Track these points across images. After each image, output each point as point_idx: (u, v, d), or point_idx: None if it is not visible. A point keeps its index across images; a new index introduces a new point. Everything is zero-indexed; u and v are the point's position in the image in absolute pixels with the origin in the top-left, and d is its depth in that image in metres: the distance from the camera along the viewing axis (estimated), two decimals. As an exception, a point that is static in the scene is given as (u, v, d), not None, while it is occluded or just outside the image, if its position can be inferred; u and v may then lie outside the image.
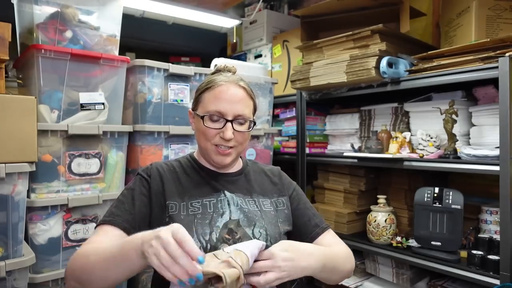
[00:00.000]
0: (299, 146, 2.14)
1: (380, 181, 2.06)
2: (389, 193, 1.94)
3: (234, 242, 0.91)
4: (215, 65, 1.13)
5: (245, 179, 1.11)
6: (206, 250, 0.89)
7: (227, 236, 0.94)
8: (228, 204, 1.01)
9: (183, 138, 1.76)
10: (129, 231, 0.92)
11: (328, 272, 0.96)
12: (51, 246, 1.42)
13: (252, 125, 1.04)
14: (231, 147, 1.01)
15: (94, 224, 1.50)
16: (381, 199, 1.82)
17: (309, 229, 1.09)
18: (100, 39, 1.57)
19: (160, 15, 2.44)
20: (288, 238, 1.04)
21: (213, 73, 1.09)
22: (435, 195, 1.58)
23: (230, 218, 0.98)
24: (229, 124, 0.98)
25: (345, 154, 1.88)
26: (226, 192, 1.04)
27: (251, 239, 0.94)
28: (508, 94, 1.29)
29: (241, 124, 1.01)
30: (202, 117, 0.99)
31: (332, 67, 1.82)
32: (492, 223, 1.58)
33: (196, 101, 1.05)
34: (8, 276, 1.15)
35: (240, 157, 1.16)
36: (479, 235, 1.54)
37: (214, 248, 0.90)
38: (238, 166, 1.14)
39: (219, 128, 0.99)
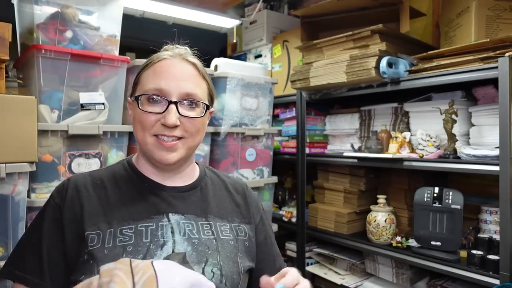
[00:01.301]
0: (299, 146, 2.14)
1: (380, 181, 2.06)
2: (389, 193, 1.94)
3: None
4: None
5: (201, 195, 0.86)
6: None
7: None
8: (172, 232, 0.76)
9: (183, 138, 1.76)
10: (38, 286, 0.73)
11: None
12: (51, 246, 1.42)
13: (205, 110, 0.81)
14: (178, 138, 0.78)
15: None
16: (381, 199, 1.83)
17: (273, 273, 0.83)
18: (100, 39, 1.57)
19: (160, 15, 2.44)
20: (249, 277, 0.85)
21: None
22: (435, 195, 1.58)
23: (173, 251, 0.74)
24: (172, 106, 0.76)
25: (345, 154, 1.88)
26: (170, 215, 0.79)
27: None
28: (508, 94, 1.29)
29: (191, 108, 0.79)
30: (137, 99, 0.77)
31: (332, 67, 1.82)
32: (491, 223, 1.58)
33: (134, 86, 0.83)
34: (8, 276, 1.16)
35: (197, 163, 0.93)
36: (478, 235, 1.54)
37: None
38: (192, 175, 0.89)
39: (160, 113, 0.76)
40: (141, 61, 1.63)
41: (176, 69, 0.79)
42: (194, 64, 0.82)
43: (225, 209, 0.87)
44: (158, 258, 0.72)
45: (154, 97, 0.76)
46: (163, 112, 0.76)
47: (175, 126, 0.76)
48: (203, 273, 0.74)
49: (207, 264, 0.76)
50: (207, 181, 0.90)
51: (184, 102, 0.78)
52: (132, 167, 0.85)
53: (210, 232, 0.81)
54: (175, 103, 0.76)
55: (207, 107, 0.83)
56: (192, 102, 0.79)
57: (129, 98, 0.85)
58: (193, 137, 0.80)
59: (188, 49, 0.87)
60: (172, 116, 0.75)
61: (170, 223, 0.78)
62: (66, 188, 0.79)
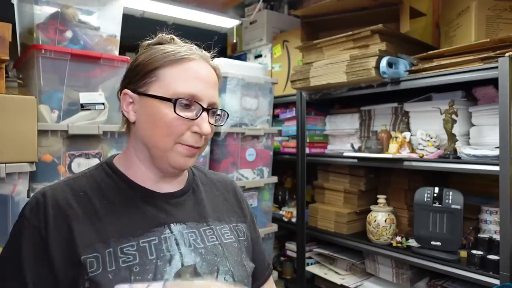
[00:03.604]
0: (299, 146, 2.14)
1: (380, 181, 2.06)
2: (389, 193, 1.94)
3: None
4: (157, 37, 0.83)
5: (194, 198, 0.80)
6: None
7: None
8: (177, 244, 0.70)
9: (183, 138, 1.76)
10: None
11: None
12: (51, 246, 1.42)
13: (226, 118, 0.78)
14: (198, 147, 0.73)
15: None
16: (381, 199, 1.83)
17: (265, 269, 0.89)
18: (100, 39, 1.57)
19: (160, 15, 2.44)
20: None
21: (156, 44, 0.79)
22: (435, 195, 1.58)
23: (182, 264, 0.68)
24: (205, 113, 0.71)
25: (345, 154, 1.88)
26: (172, 225, 0.72)
27: None
28: (508, 94, 1.29)
29: (213, 116, 0.75)
30: (170, 100, 0.69)
31: (332, 67, 1.82)
32: (492, 223, 1.58)
33: (142, 78, 0.72)
34: (8, 276, 1.16)
35: None
36: (479, 235, 1.54)
37: None
38: (183, 178, 0.82)
39: (192, 119, 0.70)
40: (141, 61, 1.64)
41: (205, 74, 0.73)
42: (215, 69, 0.78)
43: (220, 210, 0.83)
44: (168, 274, 0.66)
45: (186, 102, 0.70)
46: (194, 118, 0.70)
47: (208, 134, 0.72)
48: None
49: (219, 273, 0.71)
50: (197, 182, 0.84)
51: (211, 109, 0.74)
52: (116, 173, 0.74)
53: (214, 237, 0.76)
54: (207, 110, 0.72)
55: (228, 115, 0.79)
56: (215, 111, 0.75)
57: (126, 89, 0.74)
58: (206, 144, 0.77)
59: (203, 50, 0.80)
60: (207, 125, 0.71)
61: (173, 234, 0.71)
62: (43, 206, 0.66)
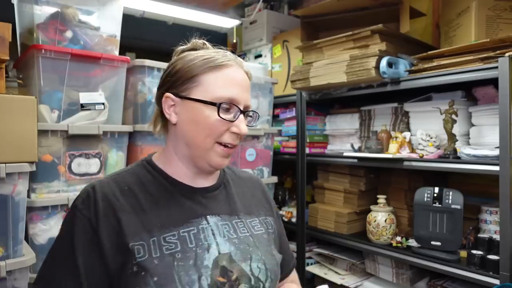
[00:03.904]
0: (299, 146, 2.14)
1: (380, 181, 2.06)
2: (389, 193, 1.94)
3: (231, 287, 0.72)
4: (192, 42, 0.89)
5: (225, 193, 0.87)
6: None
7: (220, 279, 0.72)
8: (213, 234, 0.77)
9: (183, 138, 1.76)
10: None
11: None
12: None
13: (257, 119, 0.86)
14: (235, 145, 0.81)
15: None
16: (381, 199, 1.83)
17: (290, 260, 0.98)
18: (100, 39, 1.57)
19: (160, 15, 2.44)
20: None
21: (191, 49, 0.85)
22: (435, 195, 1.58)
23: (219, 253, 0.75)
24: (242, 115, 0.79)
25: (345, 154, 1.88)
26: (208, 217, 0.80)
27: (251, 278, 0.75)
28: (508, 94, 1.29)
29: (247, 117, 0.83)
30: (214, 104, 0.76)
31: (332, 67, 1.82)
32: (491, 223, 1.58)
33: (184, 83, 0.79)
34: (9, 276, 1.15)
35: None
36: (479, 235, 1.54)
37: None
38: (216, 174, 0.90)
39: (231, 121, 0.78)
40: (141, 61, 1.64)
41: (241, 79, 0.80)
42: (247, 73, 0.84)
43: (249, 204, 0.89)
44: (207, 261, 0.73)
45: (226, 105, 0.77)
46: (233, 120, 0.78)
47: (245, 134, 0.80)
48: (250, 269, 0.76)
49: (252, 260, 0.78)
50: (228, 178, 0.92)
51: (246, 112, 0.81)
52: (156, 169, 0.83)
53: (245, 229, 0.82)
54: (244, 112, 0.80)
55: (258, 116, 0.86)
56: (248, 113, 0.82)
57: (168, 93, 0.80)
58: (238, 144, 0.83)
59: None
60: (244, 125, 0.79)
61: (209, 225, 0.78)
62: (94, 198, 0.74)
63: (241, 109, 0.79)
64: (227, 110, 0.77)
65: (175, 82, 0.80)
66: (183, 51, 0.86)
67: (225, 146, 0.79)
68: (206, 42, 0.87)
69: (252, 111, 0.83)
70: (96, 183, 0.77)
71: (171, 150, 0.83)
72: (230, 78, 0.78)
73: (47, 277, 0.73)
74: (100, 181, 0.78)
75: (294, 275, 1.01)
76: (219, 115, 0.76)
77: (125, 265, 0.70)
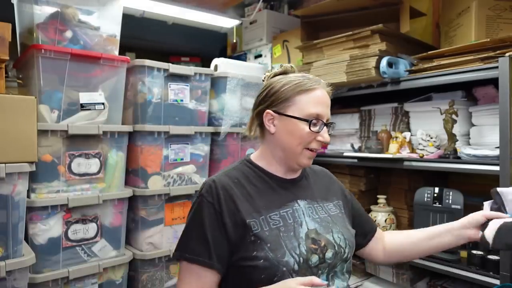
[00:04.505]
0: (299, 146, 2.13)
1: (380, 181, 2.06)
2: (389, 193, 1.94)
3: (321, 251, 0.94)
4: (267, 71, 1.14)
5: (307, 183, 1.10)
6: (299, 265, 0.90)
7: (313, 246, 0.94)
8: (303, 214, 1.00)
9: (183, 138, 1.76)
10: (219, 270, 0.93)
11: None
12: (51, 246, 1.42)
13: (333, 128, 1.07)
14: (317, 150, 1.03)
15: (94, 224, 1.50)
16: (381, 199, 1.83)
17: (372, 223, 1.20)
18: (100, 39, 1.57)
19: (160, 15, 2.44)
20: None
21: (281, 73, 1.08)
22: (435, 195, 1.58)
23: (307, 228, 0.98)
24: (325, 127, 1.00)
25: (345, 154, 1.88)
26: (298, 201, 1.03)
27: (334, 245, 0.97)
28: (508, 94, 1.29)
29: (329, 128, 1.04)
30: (306, 121, 0.98)
31: (332, 67, 1.82)
32: (492, 223, 1.57)
33: (281, 102, 1.01)
34: (8, 276, 1.15)
35: None
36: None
37: (306, 261, 0.91)
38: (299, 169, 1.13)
39: (317, 132, 0.99)
40: (141, 61, 1.64)
41: (325, 98, 1.01)
42: (328, 93, 1.04)
43: (325, 192, 1.11)
44: (302, 234, 0.95)
45: (315, 121, 0.98)
46: (319, 131, 0.99)
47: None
48: (333, 239, 0.97)
49: (334, 232, 0.99)
50: (307, 172, 1.13)
51: (328, 124, 1.02)
52: (256, 166, 1.06)
53: (323, 211, 1.04)
54: (326, 124, 1.00)
55: (335, 125, 1.07)
56: (329, 124, 1.03)
57: (269, 110, 1.02)
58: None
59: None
60: (327, 135, 1.00)
61: (300, 207, 1.01)
62: (215, 188, 0.97)
63: (325, 122, 0.99)
64: (315, 124, 0.98)
65: (274, 101, 1.02)
66: (275, 74, 1.08)
67: (311, 150, 1.00)
68: (293, 65, 1.10)
69: (331, 122, 1.03)
70: (215, 178, 1.01)
71: (268, 153, 1.06)
72: (318, 98, 0.99)
73: (184, 244, 0.97)
74: (216, 176, 1.02)
75: (380, 232, 1.20)
76: (310, 128, 0.97)
77: (244, 236, 0.93)
